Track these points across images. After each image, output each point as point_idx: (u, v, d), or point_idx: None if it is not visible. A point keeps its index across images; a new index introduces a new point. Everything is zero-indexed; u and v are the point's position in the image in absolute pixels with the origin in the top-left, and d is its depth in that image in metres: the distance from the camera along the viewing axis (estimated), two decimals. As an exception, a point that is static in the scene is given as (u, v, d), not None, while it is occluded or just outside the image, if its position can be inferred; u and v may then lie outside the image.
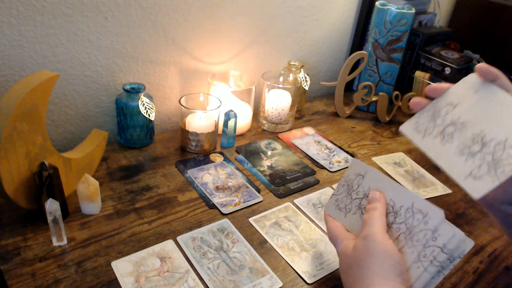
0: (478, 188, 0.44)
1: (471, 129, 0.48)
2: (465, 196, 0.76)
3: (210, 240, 0.59)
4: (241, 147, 0.84)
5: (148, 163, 0.75)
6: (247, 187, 0.72)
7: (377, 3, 0.97)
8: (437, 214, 0.45)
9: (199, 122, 0.78)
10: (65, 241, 0.56)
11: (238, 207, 0.66)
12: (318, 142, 0.90)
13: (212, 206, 0.66)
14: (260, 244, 0.60)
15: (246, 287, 0.53)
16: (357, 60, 0.98)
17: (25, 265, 0.52)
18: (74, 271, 0.52)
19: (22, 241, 0.56)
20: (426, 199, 0.73)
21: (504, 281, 0.60)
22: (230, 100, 0.85)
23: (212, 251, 0.57)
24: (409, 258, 0.45)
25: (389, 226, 0.48)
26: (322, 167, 0.81)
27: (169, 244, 0.58)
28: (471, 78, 0.50)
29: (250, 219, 0.64)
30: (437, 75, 1.01)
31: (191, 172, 0.74)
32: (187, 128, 0.78)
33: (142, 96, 0.75)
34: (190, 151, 0.80)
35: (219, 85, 0.87)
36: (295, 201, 0.70)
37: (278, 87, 0.90)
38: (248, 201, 0.68)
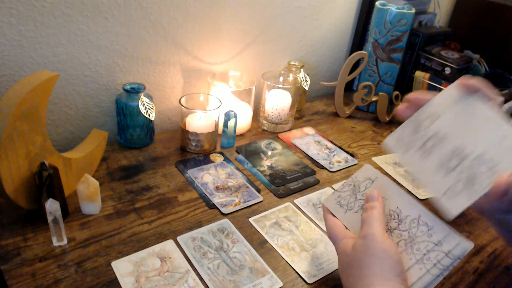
0: (453, 207, 0.45)
1: (452, 142, 0.48)
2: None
3: (210, 240, 0.59)
4: (241, 147, 0.84)
5: (148, 163, 0.75)
6: (247, 187, 0.72)
7: (377, 3, 0.97)
8: (443, 229, 0.45)
9: (199, 122, 0.78)
10: (65, 241, 0.56)
11: (238, 207, 0.66)
12: (318, 142, 0.90)
13: (212, 206, 0.66)
14: (260, 244, 0.60)
15: (246, 287, 0.53)
16: (357, 60, 0.98)
17: (25, 265, 0.52)
18: (74, 271, 0.52)
19: (22, 241, 0.56)
20: (426, 199, 0.74)
21: (504, 281, 0.60)
22: (230, 100, 0.85)
23: (212, 251, 0.57)
24: (407, 263, 0.45)
25: (391, 231, 0.48)
26: (322, 167, 0.81)
27: (169, 244, 0.58)
28: (452, 90, 0.50)
29: (250, 219, 0.64)
30: (437, 75, 1.01)
31: (191, 172, 0.74)
32: (187, 128, 0.78)
33: (142, 96, 0.75)
34: (190, 151, 0.80)
35: (219, 85, 0.87)
36: (295, 201, 0.70)
37: (278, 87, 0.90)
38: (248, 201, 0.68)
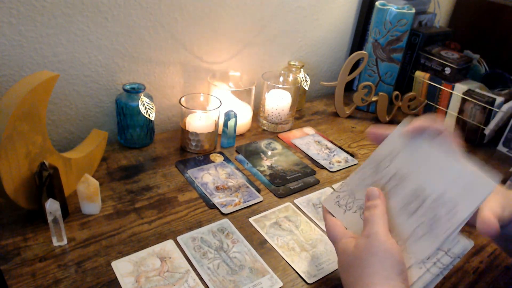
0: (418, 252, 0.44)
1: (413, 181, 0.48)
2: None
3: (210, 240, 0.59)
4: (241, 147, 0.84)
5: (148, 163, 0.75)
6: (247, 187, 0.72)
7: (377, 3, 0.97)
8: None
9: (199, 122, 0.78)
10: (65, 241, 0.56)
11: (238, 207, 0.66)
12: (318, 142, 0.90)
13: (212, 206, 0.66)
14: (260, 244, 0.60)
15: (246, 287, 0.53)
16: (357, 60, 0.98)
17: (25, 265, 0.52)
18: (74, 271, 0.52)
19: (22, 241, 0.56)
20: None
21: (504, 281, 0.60)
22: (230, 100, 0.85)
23: (212, 251, 0.57)
24: (407, 262, 0.45)
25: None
26: (322, 167, 0.81)
27: (169, 244, 0.58)
28: (402, 130, 0.50)
29: (250, 219, 0.64)
30: (437, 75, 1.01)
31: (191, 172, 0.74)
32: (187, 128, 0.78)
33: (142, 96, 0.75)
34: (190, 151, 0.80)
35: (219, 85, 0.87)
36: (295, 201, 0.70)
37: (278, 87, 0.90)
38: (248, 201, 0.68)
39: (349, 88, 1.13)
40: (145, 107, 0.74)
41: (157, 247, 0.57)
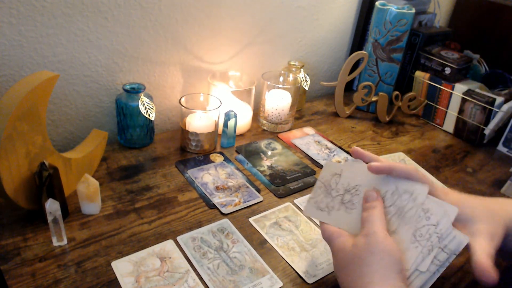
0: (399, 240, 0.46)
1: (366, 188, 0.51)
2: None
3: (210, 240, 0.59)
4: (241, 147, 0.84)
5: (148, 163, 0.75)
6: (247, 187, 0.72)
7: (377, 3, 0.97)
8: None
9: (199, 122, 0.78)
10: (65, 241, 0.56)
11: (238, 207, 0.66)
12: (318, 142, 0.90)
13: (212, 206, 0.66)
14: (260, 244, 0.60)
15: (246, 287, 0.53)
16: (357, 60, 0.98)
17: (25, 265, 0.52)
18: (74, 271, 0.52)
19: (22, 241, 0.56)
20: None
21: (504, 281, 0.60)
22: (230, 100, 0.85)
23: (212, 251, 0.57)
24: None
25: None
26: (322, 167, 0.81)
27: (169, 244, 0.58)
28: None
29: (250, 219, 0.64)
30: (437, 75, 1.01)
31: (191, 172, 0.74)
32: (187, 128, 0.78)
33: (142, 96, 0.75)
34: (190, 151, 0.80)
35: (219, 85, 0.87)
36: (295, 201, 0.70)
37: (278, 87, 0.90)
38: (248, 201, 0.68)
39: (349, 88, 1.13)
40: (145, 107, 0.74)
41: (157, 247, 0.57)
